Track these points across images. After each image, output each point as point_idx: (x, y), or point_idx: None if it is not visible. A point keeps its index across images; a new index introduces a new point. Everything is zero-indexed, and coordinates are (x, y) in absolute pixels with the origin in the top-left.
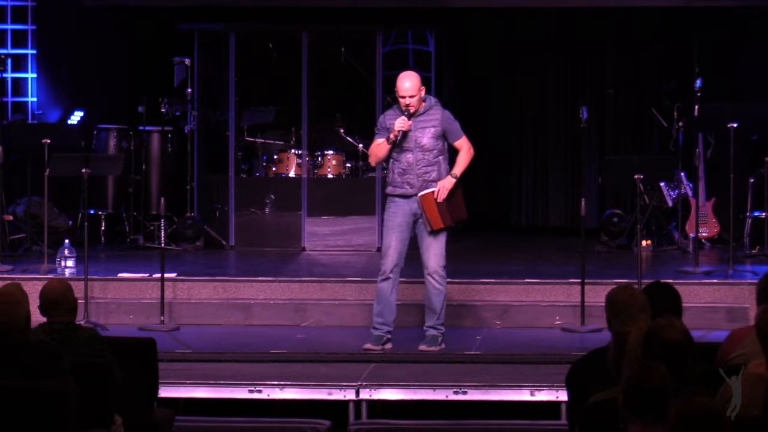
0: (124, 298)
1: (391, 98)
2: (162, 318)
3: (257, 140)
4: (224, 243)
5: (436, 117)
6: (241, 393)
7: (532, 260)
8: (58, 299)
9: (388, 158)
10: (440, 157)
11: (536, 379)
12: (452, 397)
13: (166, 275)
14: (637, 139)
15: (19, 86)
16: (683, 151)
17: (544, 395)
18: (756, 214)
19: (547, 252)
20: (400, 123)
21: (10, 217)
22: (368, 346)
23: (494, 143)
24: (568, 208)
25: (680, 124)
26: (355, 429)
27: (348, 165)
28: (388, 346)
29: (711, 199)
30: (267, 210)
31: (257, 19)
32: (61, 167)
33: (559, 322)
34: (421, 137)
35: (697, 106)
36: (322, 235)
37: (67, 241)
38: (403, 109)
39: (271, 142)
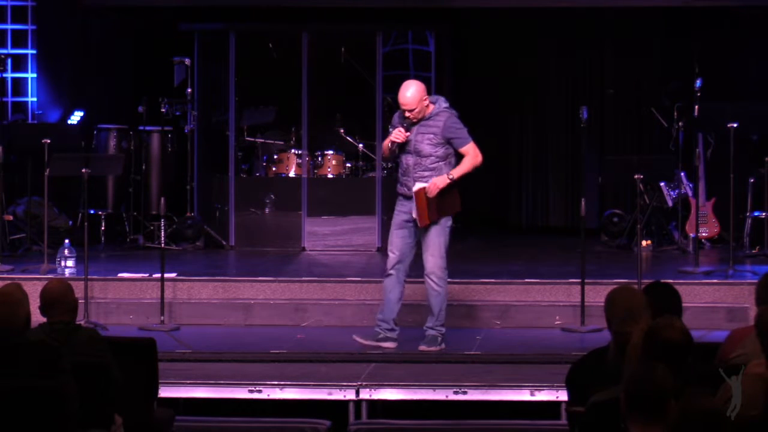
0: (124, 298)
1: (391, 98)
2: (162, 318)
3: (257, 140)
4: (224, 243)
5: (437, 125)
6: (241, 393)
7: (532, 260)
8: (59, 299)
9: (395, 157)
10: (441, 163)
11: (536, 379)
12: (452, 397)
13: (166, 275)
14: (637, 139)
15: (19, 86)
16: (683, 151)
17: (544, 395)
18: (756, 214)
19: (547, 252)
20: (396, 135)
21: (10, 217)
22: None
23: (494, 143)
24: (568, 208)
25: (680, 124)
26: (355, 429)
27: (348, 165)
28: (389, 345)
29: (711, 199)
30: (267, 210)
31: (257, 19)
32: (61, 167)
33: (559, 322)
34: (420, 143)
35: (697, 106)
36: (322, 235)
37: (67, 241)
38: (405, 117)
39: (271, 142)
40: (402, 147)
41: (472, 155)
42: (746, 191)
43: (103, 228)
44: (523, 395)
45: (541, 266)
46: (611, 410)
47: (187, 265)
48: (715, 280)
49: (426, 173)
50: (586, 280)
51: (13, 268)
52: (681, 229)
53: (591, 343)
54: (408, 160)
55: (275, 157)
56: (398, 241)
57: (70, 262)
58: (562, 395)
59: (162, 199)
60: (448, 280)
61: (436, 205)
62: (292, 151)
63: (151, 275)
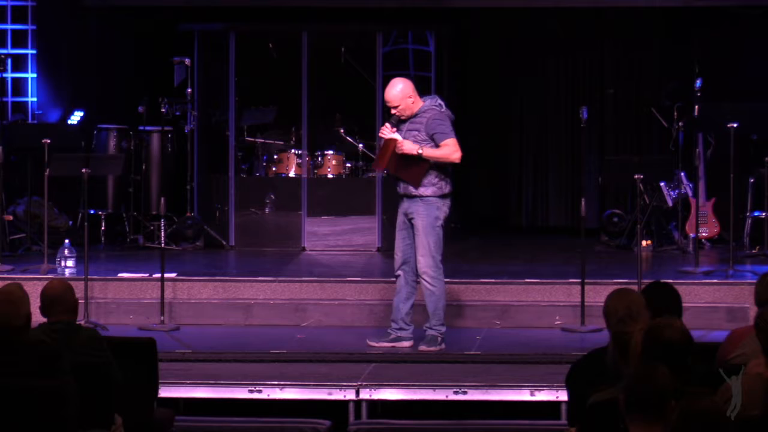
0: (124, 298)
1: None
2: (162, 318)
3: (257, 140)
4: (224, 243)
5: (422, 121)
6: (241, 393)
7: (532, 260)
8: (59, 299)
9: None
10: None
11: (536, 379)
12: (452, 397)
13: (166, 275)
14: (637, 139)
15: (19, 86)
16: (683, 151)
17: (544, 395)
18: (756, 214)
19: (547, 252)
20: (381, 131)
21: (10, 217)
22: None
23: (494, 143)
24: (568, 208)
25: (680, 124)
26: (355, 429)
27: (348, 165)
28: (404, 344)
29: (711, 199)
30: (267, 210)
31: (257, 19)
32: (61, 167)
33: (559, 322)
34: (406, 140)
35: (697, 106)
36: (322, 235)
37: (67, 241)
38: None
39: (271, 142)
40: (393, 161)
41: (450, 148)
42: (746, 191)
43: (103, 228)
44: (523, 395)
45: (541, 266)
46: (611, 410)
47: (187, 265)
48: (715, 280)
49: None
50: (586, 280)
51: (13, 268)
52: (681, 229)
53: (591, 343)
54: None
55: (275, 157)
56: (399, 242)
57: (70, 262)
58: (562, 395)
59: (162, 199)
60: (449, 279)
61: (396, 161)
62: (292, 151)
63: (151, 275)
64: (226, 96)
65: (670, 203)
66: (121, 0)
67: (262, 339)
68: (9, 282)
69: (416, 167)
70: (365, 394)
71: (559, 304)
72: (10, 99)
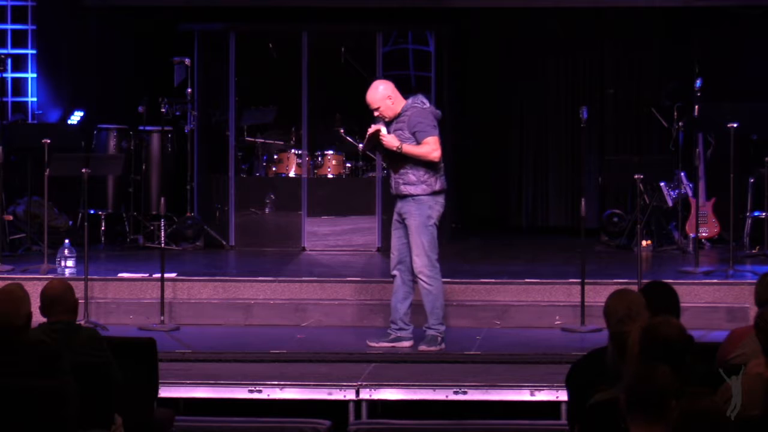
0: (124, 298)
1: None
2: (162, 318)
3: (257, 140)
4: (224, 243)
5: (404, 120)
6: (241, 393)
7: (532, 260)
8: (59, 299)
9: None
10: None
11: (536, 379)
12: (452, 397)
13: (166, 275)
14: (637, 139)
15: (19, 86)
16: (683, 151)
17: (544, 395)
18: (756, 214)
19: (547, 252)
20: (368, 131)
21: (10, 217)
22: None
23: (494, 143)
24: (568, 208)
25: (680, 124)
26: (355, 429)
27: (348, 165)
28: (404, 344)
29: (711, 199)
30: (267, 210)
31: (257, 19)
32: (61, 167)
33: (559, 322)
34: None
35: (697, 106)
36: (322, 235)
37: (67, 241)
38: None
39: (271, 142)
40: (383, 150)
41: (430, 146)
42: (746, 191)
43: (103, 228)
44: (523, 395)
45: (541, 266)
46: (611, 410)
47: (187, 265)
48: (715, 280)
49: (403, 171)
50: (586, 280)
51: (13, 268)
52: (681, 229)
53: (591, 343)
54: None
55: (275, 157)
56: (395, 241)
57: (70, 262)
58: (562, 395)
59: (162, 199)
60: (449, 279)
61: (379, 149)
62: (292, 151)
63: (151, 275)
64: (226, 96)
65: (670, 203)
66: (121, 0)
67: (262, 339)
68: (9, 282)
69: (396, 161)
70: (365, 394)
71: (559, 304)
72: (10, 99)
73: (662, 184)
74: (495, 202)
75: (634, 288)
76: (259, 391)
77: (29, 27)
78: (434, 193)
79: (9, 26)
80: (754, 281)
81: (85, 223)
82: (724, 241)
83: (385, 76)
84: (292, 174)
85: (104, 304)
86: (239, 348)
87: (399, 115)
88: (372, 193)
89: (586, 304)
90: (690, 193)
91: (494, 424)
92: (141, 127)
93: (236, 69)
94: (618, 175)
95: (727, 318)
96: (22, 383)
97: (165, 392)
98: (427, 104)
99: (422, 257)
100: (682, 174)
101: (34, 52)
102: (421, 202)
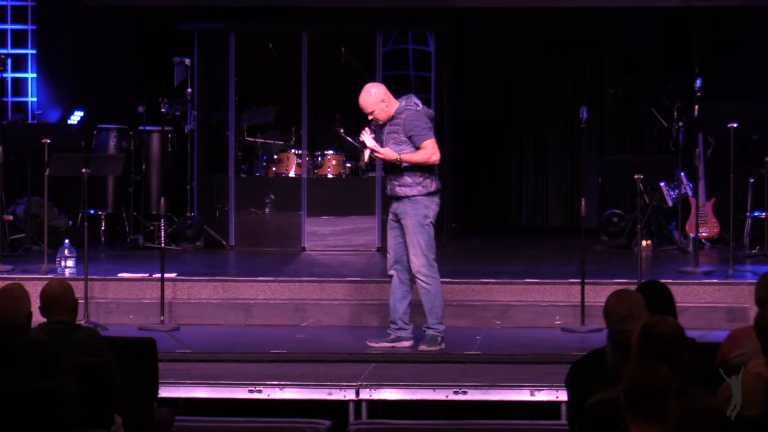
0: (124, 298)
1: None
2: (162, 318)
3: (257, 140)
4: (224, 243)
5: (399, 123)
6: (241, 393)
7: (532, 260)
8: (59, 299)
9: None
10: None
11: (536, 379)
12: (452, 397)
13: (166, 275)
14: (637, 139)
15: (19, 86)
16: (683, 151)
17: (544, 395)
18: (756, 214)
19: (547, 252)
20: (362, 135)
21: (10, 217)
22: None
23: (494, 143)
24: (568, 208)
25: (680, 124)
26: (355, 429)
27: (348, 165)
28: (404, 344)
29: (711, 199)
30: (267, 210)
31: (257, 19)
32: (61, 167)
33: (559, 322)
34: (387, 143)
35: (697, 106)
36: (322, 235)
37: (67, 241)
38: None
39: (271, 142)
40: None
41: (428, 151)
42: (746, 191)
43: (103, 228)
44: (523, 395)
45: (541, 266)
46: (611, 410)
47: (187, 265)
48: (715, 280)
49: (398, 172)
50: (586, 280)
51: (13, 268)
52: (681, 229)
53: (591, 343)
54: (381, 161)
55: (275, 157)
56: (391, 241)
57: (70, 262)
58: (562, 395)
59: (162, 199)
60: (449, 279)
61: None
62: (292, 151)
63: (151, 275)
64: (226, 96)
65: (670, 203)
66: (121, 0)
67: (262, 339)
68: (9, 282)
69: (399, 166)
70: (365, 394)
71: (559, 304)
72: (10, 99)
73: (662, 184)
74: (495, 202)
75: (634, 288)
76: (259, 391)
77: (29, 27)
78: (430, 194)
79: (9, 26)
80: (754, 281)
81: (85, 223)
82: (724, 241)
83: (385, 76)
84: (292, 174)
85: (104, 304)
86: (239, 348)
87: (393, 118)
88: (372, 193)
89: (585, 304)
90: (690, 193)
91: (494, 424)
92: (141, 127)
93: (236, 69)
94: (618, 175)
95: (727, 318)
96: (22, 383)
97: (165, 392)
98: (421, 105)
99: (420, 257)
100: (682, 174)
101: (34, 52)
102: (417, 202)
